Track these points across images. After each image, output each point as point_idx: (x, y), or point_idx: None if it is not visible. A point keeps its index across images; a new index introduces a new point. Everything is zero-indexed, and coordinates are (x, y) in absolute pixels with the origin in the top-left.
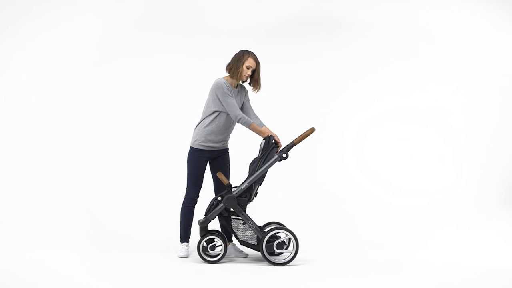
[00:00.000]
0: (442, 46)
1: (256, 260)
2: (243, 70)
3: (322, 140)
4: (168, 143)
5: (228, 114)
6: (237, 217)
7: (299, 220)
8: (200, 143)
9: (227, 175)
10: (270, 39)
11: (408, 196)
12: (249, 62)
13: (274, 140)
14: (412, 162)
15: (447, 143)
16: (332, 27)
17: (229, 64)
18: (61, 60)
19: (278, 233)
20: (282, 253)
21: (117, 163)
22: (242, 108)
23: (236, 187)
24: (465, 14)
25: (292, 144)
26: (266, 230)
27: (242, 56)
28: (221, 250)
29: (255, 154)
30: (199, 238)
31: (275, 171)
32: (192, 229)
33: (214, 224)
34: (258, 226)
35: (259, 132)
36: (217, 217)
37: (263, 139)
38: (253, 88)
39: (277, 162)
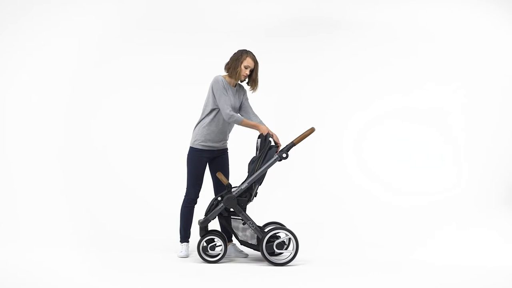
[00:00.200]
0: (442, 46)
1: (256, 260)
2: (242, 69)
3: (322, 140)
4: (168, 143)
5: None
6: (237, 217)
7: (299, 220)
8: (200, 143)
9: (226, 175)
10: (270, 39)
11: (408, 196)
12: (248, 61)
13: (274, 140)
14: (412, 162)
15: (447, 143)
16: (332, 27)
17: (227, 64)
18: (61, 60)
19: (278, 233)
20: (282, 253)
21: (117, 163)
22: (240, 108)
23: (236, 187)
24: (465, 14)
25: (292, 144)
26: (266, 230)
27: (240, 55)
28: (221, 250)
29: (254, 154)
30: (199, 238)
31: (275, 171)
32: (192, 229)
33: (214, 224)
34: (258, 226)
35: (252, 126)
36: (217, 217)
37: (258, 138)
38: (250, 88)
39: (277, 162)
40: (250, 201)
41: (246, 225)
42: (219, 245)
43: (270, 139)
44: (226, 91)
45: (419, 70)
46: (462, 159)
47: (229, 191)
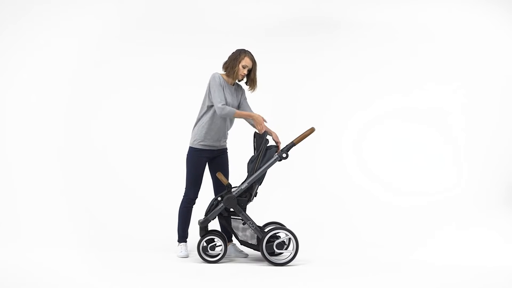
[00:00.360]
0: (442, 46)
1: (256, 260)
2: (239, 69)
3: (322, 140)
4: (168, 143)
5: None
6: (237, 217)
7: (299, 220)
8: (199, 143)
9: (226, 175)
10: (270, 39)
11: (408, 196)
12: (246, 61)
13: (273, 139)
14: (412, 162)
15: (447, 143)
16: (332, 27)
17: (225, 63)
18: (61, 60)
19: (278, 233)
20: (282, 253)
21: (117, 163)
22: (239, 107)
23: (236, 187)
24: (465, 14)
25: (292, 144)
26: (266, 230)
27: (238, 55)
28: (221, 250)
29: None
30: (199, 238)
31: (275, 171)
32: (190, 229)
33: (214, 224)
34: (258, 226)
35: (247, 116)
36: (217, 217)
37: (254, 136)
38: (249, 88)
39: (277, 162)
40: (250, 201)
41: (246, 225)
42: (219, 245)
43: (268, 137)
44: (223, 88)
45: (419, 70)
46: (462, 159)
47: (229, 191)
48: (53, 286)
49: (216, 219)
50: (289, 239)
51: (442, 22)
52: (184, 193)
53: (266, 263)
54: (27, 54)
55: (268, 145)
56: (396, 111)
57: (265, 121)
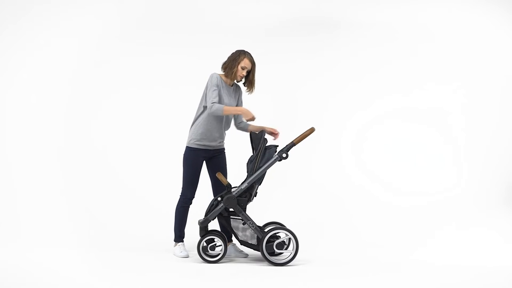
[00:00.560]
0: (442, 46)
1: (256, 260)
2: (238, 70)
3: (322, 140)
4: (168, 143)
5: None
6: (237, 217)
7: (299, 220)
8: (196, 142)
9: (224, 175)
10: (270, 39)
11: (408, 196)
12: (245, 62)
13: (271, 131)
14: (412, 162)
15: (447, 143)
16: (332, 27)
17: (224, 63)
18: (61, 60)
19: (278, 233)
20: (282, 253)
21: (117, 163)
22: None
23: (236, 187)
24: (465, 14)
25: (292, 144)
26: (266, 230)
27: (238, 56)
28: (221, 250)
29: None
30: (199, 238)
31: (275, 171)
32: (188, 229)
33: (214, 224)
34: (258, 226)
35: (235, 111)
36: (217, 217)
37: (250, 136)
38: (246, 89)
39: (277, 162)
40: (250, 201)
41: (246, 225)
42: (219, 245)
43: (266, 136)
44: (219, 89)
45: (419, 70)
46: (462, 159)
47: (229, 191)
48: (53, 286)
49: (216, 219)
50: (289, 239)
51: (442, 22)
52: (181, 193)
53: (266, 263)
54: (27, 54)
55: (267, 144)
56: (396, 111)
57: (255, 118)
